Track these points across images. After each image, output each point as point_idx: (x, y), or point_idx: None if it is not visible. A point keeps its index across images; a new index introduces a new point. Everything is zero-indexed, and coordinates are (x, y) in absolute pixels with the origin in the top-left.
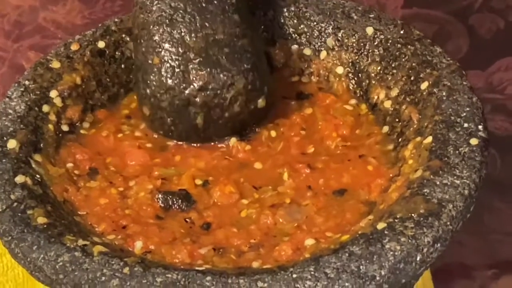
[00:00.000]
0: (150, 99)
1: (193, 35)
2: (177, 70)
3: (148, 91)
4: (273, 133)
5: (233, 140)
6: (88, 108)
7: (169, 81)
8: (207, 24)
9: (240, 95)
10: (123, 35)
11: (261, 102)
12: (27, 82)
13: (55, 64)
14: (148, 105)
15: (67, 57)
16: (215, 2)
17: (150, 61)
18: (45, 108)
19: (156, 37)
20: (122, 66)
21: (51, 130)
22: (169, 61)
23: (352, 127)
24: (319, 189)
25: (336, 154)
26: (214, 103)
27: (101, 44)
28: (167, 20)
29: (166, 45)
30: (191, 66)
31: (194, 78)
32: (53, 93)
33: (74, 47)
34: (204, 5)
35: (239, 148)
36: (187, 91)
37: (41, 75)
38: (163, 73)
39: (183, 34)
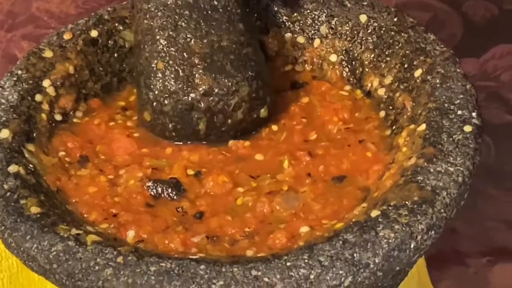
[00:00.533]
0: (153, 104)
1: (198, 40)
2: (181, 74)
3: (150, 95)
4: (274, 127)
5: (231, 142)
6: (81, 98)
7: (173, 86)
8: (212, 31)
9: (244, 102)
10: (116, 24)
11: (263, 112)
12: (19, 72)
13: (48, 54)
14: (149, 110)
15: (59, 47)
16: (221, 10)
17: (153, 66)
18: (38, 97)
19: (161, 42)
20: (115, 55)
21: (44, 120)
22: (174, 65)
23: (351, 110)
24: (319, 176)
25: (336, 140)
26: (217, 109)
27: (94, 33)
28: (172, 26)
29: (171, 50)
30: (195, 71)
31: (198, 83)
32: (46, 83)
33: (66, 36)
34: (209, 12)
35: (238, 146)
36: (191, 96)
37: (34, 64)
38: (167, 77)
39: (188, 39)
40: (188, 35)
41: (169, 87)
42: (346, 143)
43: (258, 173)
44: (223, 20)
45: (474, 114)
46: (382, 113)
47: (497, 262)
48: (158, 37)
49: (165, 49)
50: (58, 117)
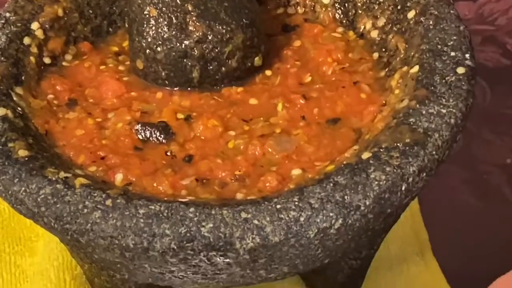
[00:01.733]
0: (146, 51)
1: None
2: (174, 21)
3: (143, 43)
4: (268, 72)
5: (224, 88)
6: (70, 41)
7: (166, 33)
8: None
9: (238, 50)
10: None
11: (257, 60)
12: (7, 14)
13: None
14: (142, 58)
15: None
16: None
17: (146, 13)
18: (27, 40)
19: None
20: None
21: (33, 63)
22: (167, 12)
23: (345, 51)
24: (313, 118)
25: (331, 82)
26: (211, 56)
27: None
28: None
29: None
30: (189, 18)
31: (192, 30)
32: (34, 25)
33: None
34: None
35: (231, 91)
36: (184, 43)
37: (22, 7)
38: (160, 24)
39: None
40: None
41: (162, 34)
42: (341, 85)
43: (251, 117)
44: None
45: (467, 55)
46: (376, 55)
47: (492, 207)
48: None
49: None
50: (47, 60)
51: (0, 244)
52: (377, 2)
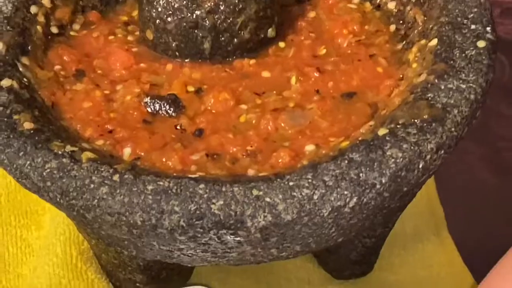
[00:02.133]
0: (155, 22)
1: None
2: None
3: (153, 12)
4: (281, 44)
5: (236, 60)
6: (78, 10)
7: (177, 2)
8: None
9: (250, 21)
10: None
11: (271, 32)
12: None
13: None
14: (152, 28)
15: None
16: None
17: None
18: (33, 9)
19: None
20: None
21: (40, 32)
22: None
23: (361, 23)
24: (327, 92)
25: (346, 54)
26: (223, 27)
27: None
28: None
29: None
30: None
31: (203, 0)
32: None
33: None
34: None
35: (243, 64)
36: (195, 13)
37: None
38: None
39: None
40: None
41: (172, 4)
42: (356, 58)
43: (264, 90)
44: None
45: (488, 28)
46: (393, 27)
47: (508, 184)
48: None
49: None
50: (54, 30)
51: (6, 218)
52: None
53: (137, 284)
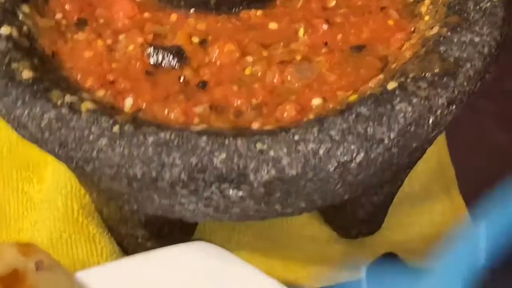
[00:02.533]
0: None
1: None
2: None
3: None
4: None
5: (243, 11)
6: None
7: None
8: None
9: None
10: None
11: None
12: None
13: None
14: None
15: None
16: None
17: None
18: None
19: None
20: None
21: None
22: None
23: None
24: (336, 45)
25: (356, 6)
26: None
27: None
28: None
29: None
30: None
31: None
32: None
33: None
34: None
35: (250, 14)
36: None
37: None
38: None
39: None
40: None
41: None
42: (367, 10)
43: (270, 42)
44: None
45: None
46: None
47: None
48: None
49: None
50: None
51: (7, 170)
52: None
53: (139, 240)
